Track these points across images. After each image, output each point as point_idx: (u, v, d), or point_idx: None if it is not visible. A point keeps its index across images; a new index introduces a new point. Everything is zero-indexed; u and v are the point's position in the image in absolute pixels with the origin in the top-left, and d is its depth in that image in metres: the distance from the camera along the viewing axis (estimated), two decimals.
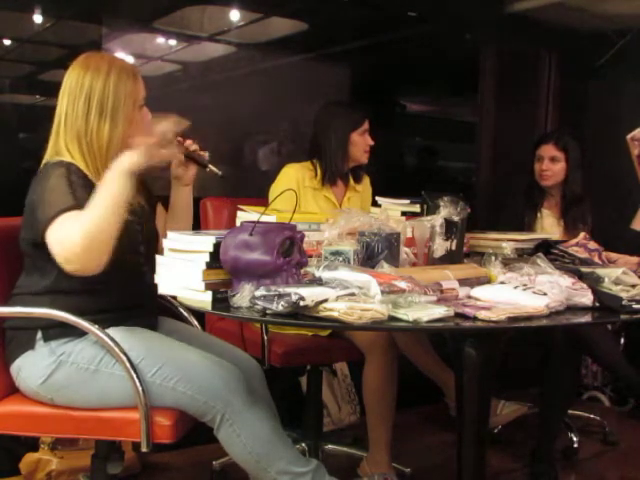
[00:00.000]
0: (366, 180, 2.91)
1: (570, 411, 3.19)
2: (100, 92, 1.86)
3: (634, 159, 2.89)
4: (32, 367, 1.83)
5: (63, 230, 1.71)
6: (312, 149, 2.78)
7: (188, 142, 2.03)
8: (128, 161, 1.75)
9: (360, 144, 2.75)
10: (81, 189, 1.78)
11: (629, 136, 2.86)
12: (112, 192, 1.72)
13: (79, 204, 1.73)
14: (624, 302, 1.75)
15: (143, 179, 2.10)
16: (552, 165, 3.03)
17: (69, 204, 1.74)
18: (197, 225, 2.65)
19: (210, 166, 2.06)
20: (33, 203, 1.79)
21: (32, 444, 2.55)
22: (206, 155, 2.07)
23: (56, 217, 1.72)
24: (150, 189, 2.11)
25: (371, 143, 2.76)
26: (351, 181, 2.84)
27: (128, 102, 1.89)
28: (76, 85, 1.87)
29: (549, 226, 3.08)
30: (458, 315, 1.59)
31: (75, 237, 1.67)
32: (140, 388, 1.75)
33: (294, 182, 2.66)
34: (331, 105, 2.82)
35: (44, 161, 1.89)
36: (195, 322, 2.26)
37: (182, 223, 2.08)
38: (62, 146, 1.87)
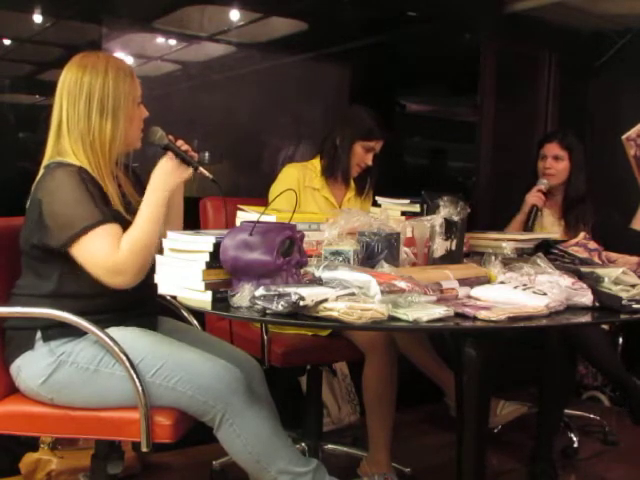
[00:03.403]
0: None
1: (570, 411, 3.19)
2: (100, 91, 1.86)
3: (631, 159, 2.89)
4: (32, 367, 1.83)
5: (104, 245, 1.79)
6: (324, 140, 2.79)
7: (179, 142, 2.03)
8: (169, 182, 1.90)
9: (357, 157, 2.73)
10: (100, 200, 1.83)
11: (624, 136, 2.87)
12: (155, 211, 1.85)
13: (107, 218, 1.81)
14: (624, 302, 1.75)
15: (140, 178, 2.11)
16: (555, 164, 3.03)
17: (99, 218, 1.80)
18: (197, 225, 2.65)
19: (201, 168, 2.05)
20: (43, 206, 1.79)
21: (32, 444, 2.55)
22: (197, 157, 2.06)
23: (88, 231, 1.77)
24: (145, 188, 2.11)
25: (369, 163, 2.73)
26: (351, 182, 2.83)
27: (128, 100, 1.90)
28: (75, 86, 1.87)
29: (549, 225, 3.08)
30: (458, 315, 1.59)
31: (124, 253, 1.79)
32: (140, 388, 1.75)
33: (294, 182, 2.67)
34: (358, 107, 2.82)
35: (46, 161, 1.89)
36: (195, 322, 2.26)
37: (173, 223, 2.06)
38: (66, 147, 1.88)
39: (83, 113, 1.87)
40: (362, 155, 2.72)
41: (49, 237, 1.80)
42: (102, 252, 1.79)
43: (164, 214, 1.89)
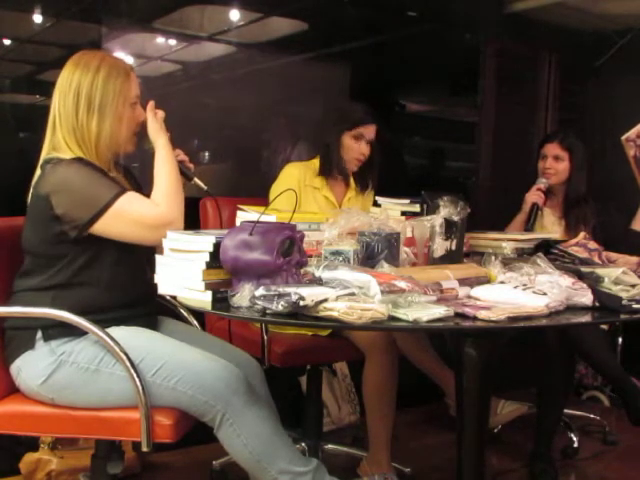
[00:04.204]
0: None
1: (570, 411, 3.19)
2: (88, 88, 1.88)
3: (630, 160, 2.89)
4: (32, 367, 1.83)
5: (143, 205, 1.85)
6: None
7: (177, 152, 2.03)
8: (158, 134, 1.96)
9: (351, 149, 2.70)
10: (109, 178, 1.88)
11: (624, 137, 2.87)
12: (168, 158, 1.94)
13: (125, 189, 1.85)
14: (624, 302, 1.75)
15: (136, 178, 2.12)
16: (555, 164, 3.04)
17: (120, 189, 1.84)
18: (197, 225, 2.65)
19: (195, 179, 2.06)
20: (52, 198, 1.80)
21: (32, 444, 2.55)
22: (193, 168, 2.07)
23: (115, 200, 1.80)
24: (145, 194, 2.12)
25: (364, 152, 2.70)
26: (352, 182, 2.83)
27: (117, 99, 1.90)
28: (66, 82, 1.90)
29: (550, 225, 3.08)
30: (458, 315, 1.59)
31: (163, 204, 1.86)
32: (140, 388, 1.75)
33: (295, 181, 2.67)
34: (340, 99, 2.82)
35: (44, 157, 1.91)
36: (195, 322, 2.26)
37: None
38: (60, 141, 1.89)
39: (71, 109, 1.88)
40: (354, 146, 2.70)
41: (66, 225, 1.81)
42: (143, 210, 1.84)
43: (174, 157, 1.97)
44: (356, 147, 2.70)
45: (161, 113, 1.99)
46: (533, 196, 3.00)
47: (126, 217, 1.82)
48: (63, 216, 1.80)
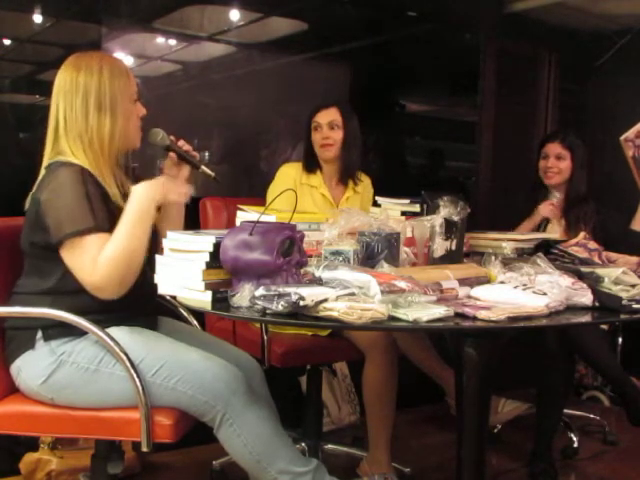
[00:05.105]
0: (367, 181, 2.90)
1: (570, 411, 3.19)
2: (96, 89, 1.87)
3: (629, 160, 2.90)
4: (32, 367, 1.83)
5: (85, 260, 1.77)
6: None
7: (181, 142, 2.03)
8: (150, 193, 1.84)
9: (315, 140, 2.79)
10: (98, 203, 1.82)
11: (622, 137, 2.88)
12: (137, 219, 1.80)
13: (99, 226, 1.78)
14: (624, 302, 1.75)
15: (140, 178, 2.11)
16: (557, 163, 3.03)
17: (90, 225, 1.78)
18: (197, 225, 2.65)
19: (203, 167, 2.05)
20: (43, 205, 1.79)
21: (32, 444, 2.55)
22: (198, 156, 2.06)
23: (77, 235, 1.76)
24: None
25: (325, 136, 2.75)
26: (350, 182, 2.84)
27: (124, 97, 1.90)
28: (70, 85, 1.87)
29: (550, 225, 3.08)
30: (458, 315, 1.59)
31: (106, 266, 1.76)
32: (140, 388, 1.76)
33: (291, 181, 2.68)
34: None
35: (47, 162, 1.89)
36: (195, 322, 2.26)
37: (174, 224, 2.05)
38: (64, 148, 1.88)
39: (80, 112, 1.87)
40: (315, 136, 2.78)
41: (49, 234, 1.80)
42: (83, 268, 1.78)
43: (148, 228, 1.82)
44: (317, 136, 2.78)
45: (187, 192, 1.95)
46: (547, 211, 2.98)
47: (76, 257, 1.78)
48: (47, 228, 1.80)
